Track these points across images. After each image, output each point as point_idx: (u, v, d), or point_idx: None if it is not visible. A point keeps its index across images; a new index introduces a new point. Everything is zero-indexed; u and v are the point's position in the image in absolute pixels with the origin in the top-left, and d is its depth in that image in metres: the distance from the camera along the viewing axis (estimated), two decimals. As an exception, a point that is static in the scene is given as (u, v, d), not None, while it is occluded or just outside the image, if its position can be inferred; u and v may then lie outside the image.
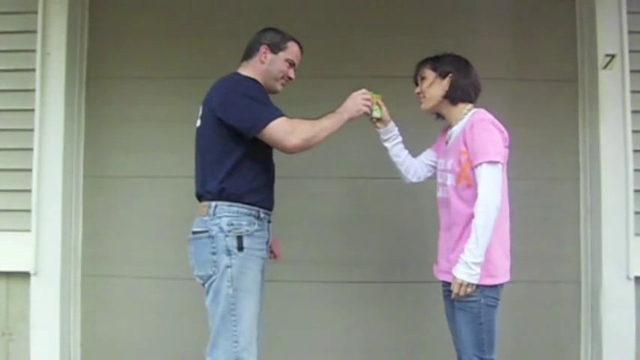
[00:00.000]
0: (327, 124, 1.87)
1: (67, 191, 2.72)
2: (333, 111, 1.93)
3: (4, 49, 2.71)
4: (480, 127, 1.81)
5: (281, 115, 1.81)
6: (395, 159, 2.12)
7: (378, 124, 2.08)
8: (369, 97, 1.98)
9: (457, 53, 1.98)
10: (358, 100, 1.96)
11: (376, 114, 2.03)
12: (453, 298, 1.81)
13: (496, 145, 1.80)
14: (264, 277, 1.92)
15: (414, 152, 2.16)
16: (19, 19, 2.70)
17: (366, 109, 1.97)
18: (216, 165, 1.84)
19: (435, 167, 2.10)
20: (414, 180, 2.14)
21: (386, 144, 2.12)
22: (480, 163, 1.77)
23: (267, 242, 1.95)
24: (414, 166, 2.13)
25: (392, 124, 2.10)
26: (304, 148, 1.83)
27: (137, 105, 2.82)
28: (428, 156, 2.13)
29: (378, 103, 2.02)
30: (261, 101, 1.82)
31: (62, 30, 2.68)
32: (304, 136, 1.81)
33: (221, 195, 1.83)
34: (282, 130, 1.79)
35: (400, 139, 2.12)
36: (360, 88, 1.99)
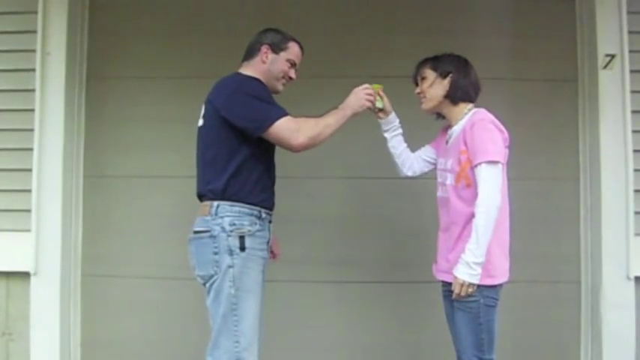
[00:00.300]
0: (332, 121, 1.88)
1: (67, 191, 2.72)
2: (336, 107, 1.93)
3: (4, 49, 2.71)
4: (480, 127, 1.81)
5: (286, 114, 1.82)
6: (392, 150, 2.14)
7: (380, 115, 2.10)
8: (371, 91, 1.99)
9: (457, 53, 1.98)
10: (361, 95, 1.97)
11: (378, 105, 2.04)
12: (453, 299, 1.81)
13: (496, 145, 1.80)
14: (264, 277, 1.92)
15: (413, 151, 2.17)
16: (19, 19, 2.70)
17: (369, 104, 1.98)
18: (220, 165, 1.84)
19: (431, 164, 2.12)
20: (409, 174, 2.15)
21: (386, 134, 2.14)
22: (480, 163, 1.77)
23: (268, 242, 1.95)
24: (410, 160, 2.14)
25: (393, 114, 2.11)
26: (310, 146, 1.83)
27: (137, 105, 2.82)
28: (426, 152, 2.14)
29: (379, 94, 2.04)
30: (266, 100, 1.83)
31: (62, 30, 2.68)
32: (310, 134, 1.81)
33: (224, 195, 1.83)
34: (288, 128, 1.79)
35: (400, 131, 2.14)
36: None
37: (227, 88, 1.85)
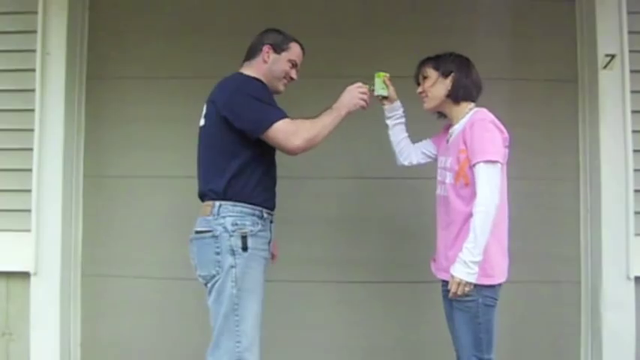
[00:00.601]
0: (327, 122, 1.88)
1: (67, 191, 2.71)
2: (330, 107, 1.93)
3: (4, 49, 2.71)
4: (480, 127, 1.82)
5: (284, 116, 1.82)
6: (392, 138, 2.18)
7: (385, 102, 2.12)
8: (365, 90, 1.98)
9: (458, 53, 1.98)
10: (355, 94, 1.96)
11: (383, 92, 2.06)
12: (451, 297, 1.81)
13: (495, 145, 1.80)
14: (265, 277, 1.92)
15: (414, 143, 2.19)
16: (19, 19, 2.70)
17: (363, 103, 1.96)
18: (222, 164, 1.84)
19: (429, 157, 2.14)
20: (405, 163, 2.18)
21: (388, 121, 2.17)
22: (479, 162, 1.78)
23: (270, 242, 1.95)
24: (407, 150, 2.17)
25: (398, 103, 2.14)
26: (307, 148, 1.83)
27: (137, 105, 2.82)
28: (426, 145, 2.16)
29: (384, 82, 2.05)
30: (266, 102, 1.83)
31: (62, 30, 2.67)
32: (307, 137, 1.81)
33: (225, 195, 1.83)
34: (285, 131, 1.79)
35: (403, 120, 2.16)
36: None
37: (229, 88, 1.85)
